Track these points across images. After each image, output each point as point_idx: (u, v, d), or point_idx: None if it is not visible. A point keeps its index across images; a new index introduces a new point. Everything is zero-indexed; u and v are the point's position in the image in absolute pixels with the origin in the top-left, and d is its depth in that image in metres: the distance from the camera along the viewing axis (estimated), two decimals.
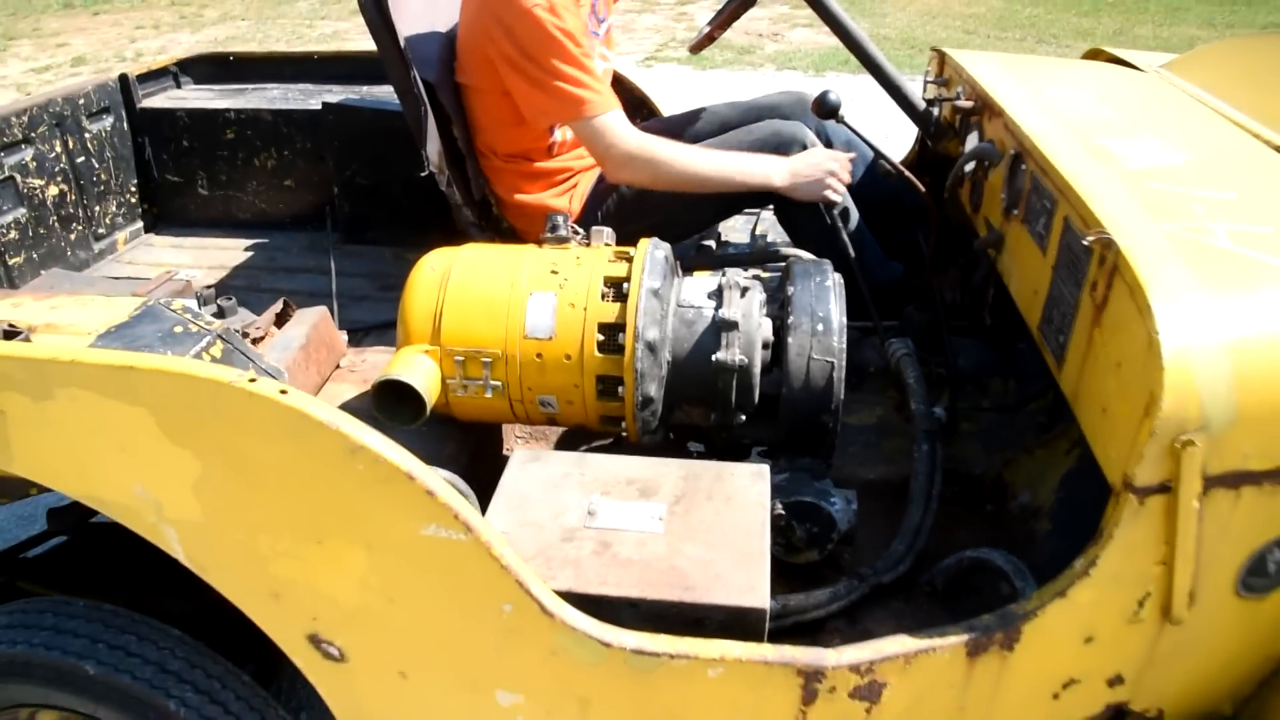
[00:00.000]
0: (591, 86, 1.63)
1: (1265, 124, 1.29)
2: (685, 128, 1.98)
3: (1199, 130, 1.32)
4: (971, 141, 1.57)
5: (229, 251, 2.24)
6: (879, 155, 1.78)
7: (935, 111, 1.82)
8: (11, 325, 0.99)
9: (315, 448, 0.90)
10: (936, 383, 1.56)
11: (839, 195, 1.67)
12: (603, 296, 1.32)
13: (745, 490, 1.18)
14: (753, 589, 1.02)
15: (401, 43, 1.68)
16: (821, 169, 1.66)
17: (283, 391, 0.89)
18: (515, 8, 1.58)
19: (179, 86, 2.46)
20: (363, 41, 2.00)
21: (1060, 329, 1.12)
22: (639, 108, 2.23)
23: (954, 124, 1.76)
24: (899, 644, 0.98)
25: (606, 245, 1.46)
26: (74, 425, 0.95)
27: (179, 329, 1.11)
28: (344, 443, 0.89)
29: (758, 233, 2.04)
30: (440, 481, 0.91)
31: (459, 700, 1.07)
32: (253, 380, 0.89)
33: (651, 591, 1.02)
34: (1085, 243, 0.99)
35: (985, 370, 1.62)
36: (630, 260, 1.36)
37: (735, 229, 2.19)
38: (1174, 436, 0.88)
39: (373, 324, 1.81)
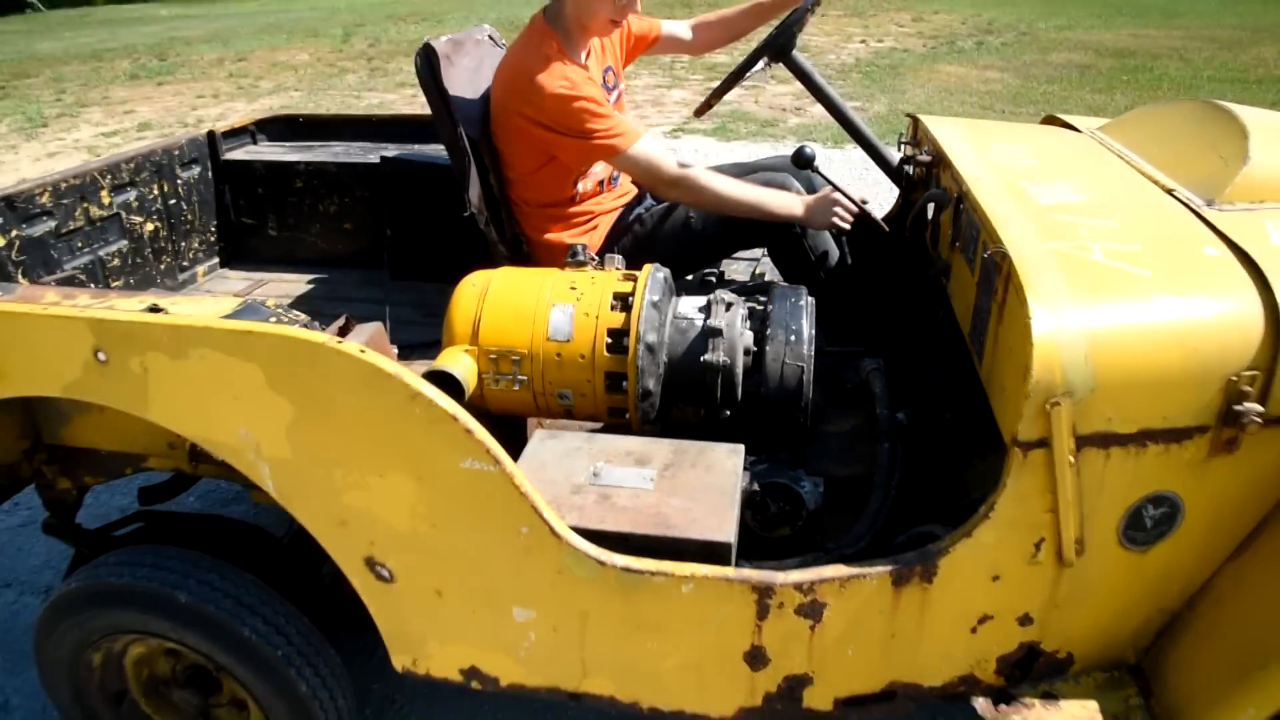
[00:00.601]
0: (619, 130, 1.93)
1: (1160, 169, 1.57)
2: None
3: (1104, 176, 1.59)
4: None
5: (293, 284, 2.56)
6: (844, 195, 2.07)
7: (908, 168, 2.11)
8: (155, 304, 1.28)
9: (383, 394, 1.18)
10: (906, 397, 1.81)
11: (846, 223, 1.95)
12: (612, 307, 1.60)
13: (722, 461, 1.43)
14: (721, 529, 1.27)
15: (450, 104, 2.01)
16: (829, 200, 1.95)
17: (361, 351, 1.17)
18: (542, 92, 1.89)
19: (255, 142, 2.82)
20: (408, 109, 2.32)
21: (979, 332, 1.38)
22: None
23: (923, 178, 2.05)
24: (835, 570, 1.22)
25: (617, 269, 1.74)
26: (200, 379, 1.24)
27: (273, 320, 1.40)
28: (405, 390, 1.17)
29: (757, 273, 2.33)
30: (477, 423, 1.19)
31: (483, 616, 1.32)
32: (340, 342, 1.17)
33: (640, 528, 1.27)
34: (986, 255, 1.26)
35: (951, 386, 1.86)
36: (636, 280, 1.64)
37: (738, 272, 2.47)
38: (1045, 399, 1.13)
39: (419, 343, 2.10)
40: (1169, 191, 1.48)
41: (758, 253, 2.45)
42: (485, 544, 1.26)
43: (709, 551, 1.25)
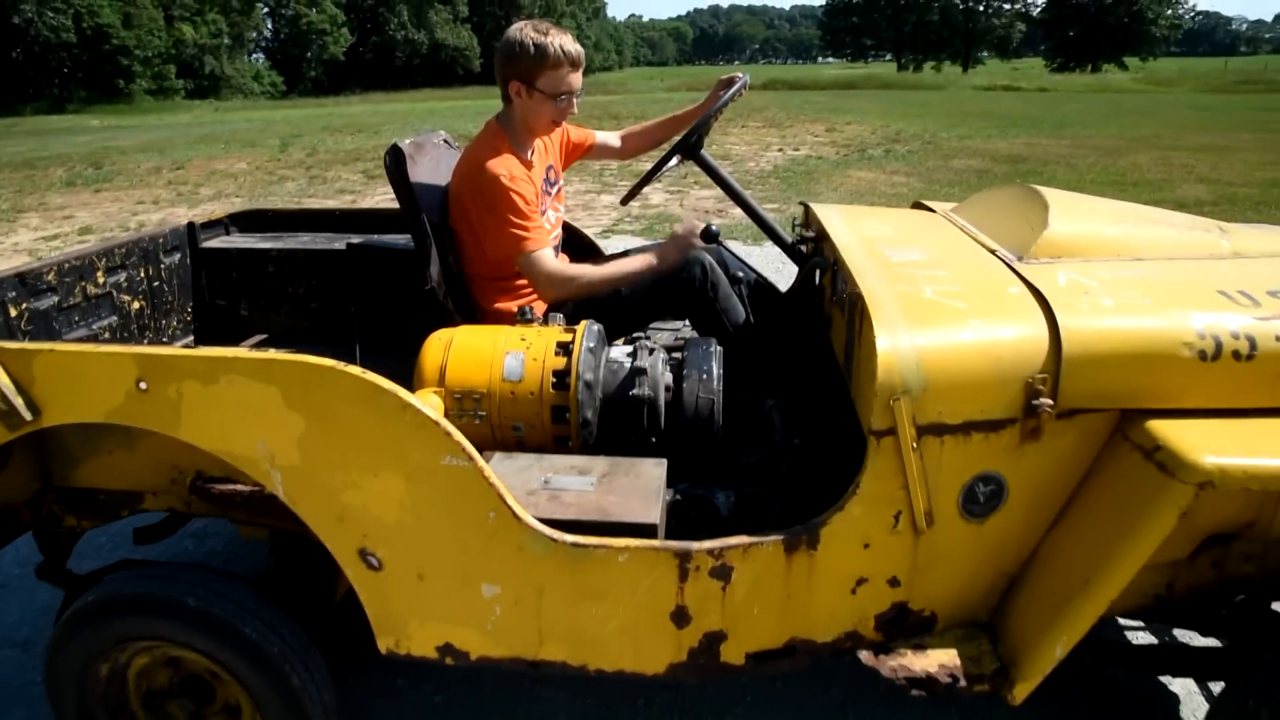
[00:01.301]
0: (529, 232, 2.29)
1: (987, 235, 2.00)
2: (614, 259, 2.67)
3: (943, 241, 2.02)
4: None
5: None
6: (744, 266, 2.46)
7: (801, 246, 2.53)
8: (188, 344, 1.58)
9: (379, 405, 1.49)
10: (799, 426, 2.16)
11: (697, 249, 2.31)
12: (556, 353, 1.94)
13: (649, 470, 1.76)
14: (648, 514, 1.59)
15: (414, 193, 2.36)
16: (675, 240, 2.32)
17: (362, 371, 1.49)
18: (487, 175, 2.26)
19: (228, 233, 3.13)
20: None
21: (848, 358, 1.76)
22: (587, 249, 2.92)
23: (812, 252, 2.46)
24: (739, 539, 1.55)
25: (558, 325, 2.09)
26: (226, 400, 1.53)
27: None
28: (398, 401, 1.48)
29: (679, 336, 2.70)
30: (453, 427, 1.50)
31: (457, 595, 1.61)
32: (345, 365, 1.49)
33: (585, 515, 1.59)
34: (845, 295, 1.64)
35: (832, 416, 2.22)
36: (575, 332, 1.99)
37: (662, 340, 2.83)
38: (889, 397, 1.50)
39: None
40: (991, 251, 1.90)
41: (679, 324, 2.83)
42: (459, 530, 1.55)
43: (639, 530, 1.56)
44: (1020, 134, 15.88)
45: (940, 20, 66.04)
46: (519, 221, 2.26)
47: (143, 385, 1.55)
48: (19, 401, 1.58)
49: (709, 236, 2.30)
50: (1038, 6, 66.62)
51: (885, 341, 1.53)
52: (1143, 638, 2.39)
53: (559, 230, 2.61)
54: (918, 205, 2.60)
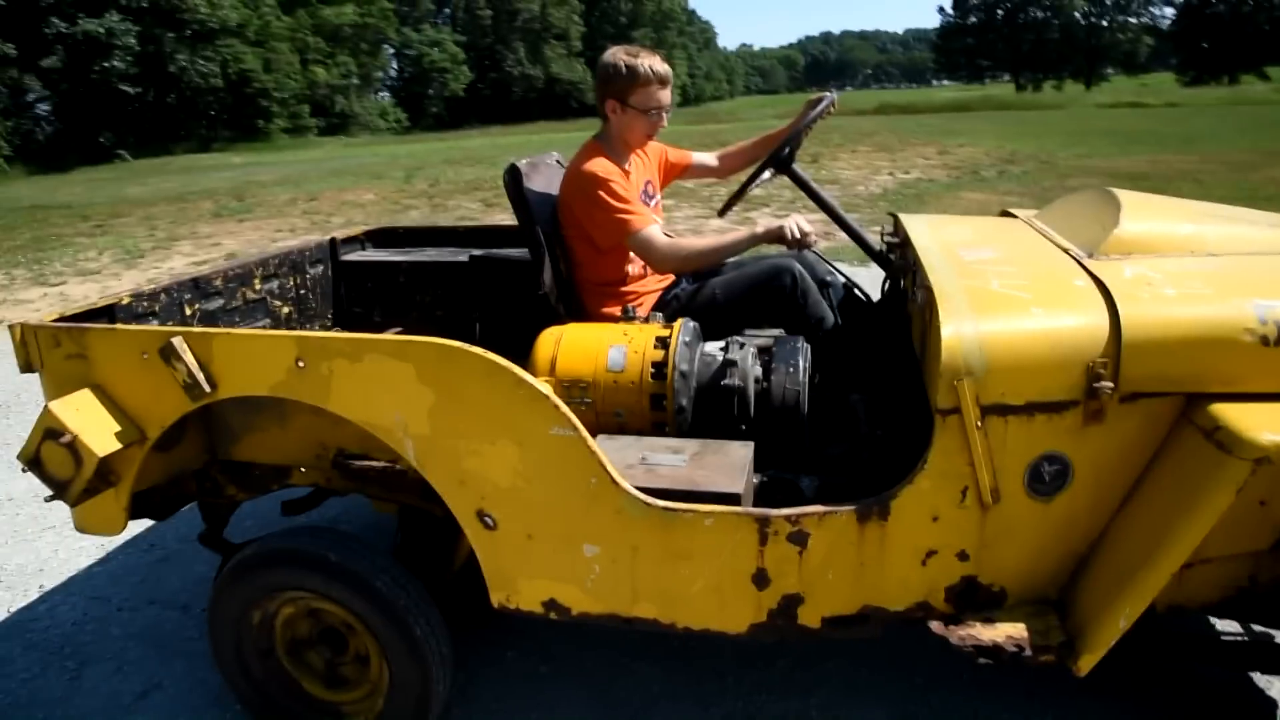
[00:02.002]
0: (634, 212, 2.49)
1: (1061, 235, 2.10)
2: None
3: (1018, 242, 2.12)
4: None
5: None
6: (834, 269, 2.60)
7: (890, 254, 2.66)
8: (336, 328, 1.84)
9: (497, 382, 1.72)
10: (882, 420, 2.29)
11: (798, 233, 2.45)
12: (655, 347, 2.13)
13: (736, 450, 1.93)
14: (732, 485, 1.76)
15: (529, 206, 2.61)
16: (778, 227, 2.47)
17: (484, 351, 1.72)
18: (585, 174, 2.49)
19: (364, 248, 3.47)
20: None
21: (923, 348, 1.89)
22: None
23: (899, 260, 2.59)
24: (815, 508, 1.70)
25: (657, 323, 2.29)
26: (369, 377, 1.78)
27: None
28: (513, 377, 1.71)
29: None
30: (561, 401, 1.71)
31: (561, 553, 1.81)
32: (470, 347, 1.72)
33: (676, 485, 1.77)
34: (919, 290, 1.78)
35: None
36: (672, 328, 2.18)
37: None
38: (952, 377, 1.63)
39: None
40: (1065, 250, 2.00)
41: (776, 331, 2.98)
42: (564, 493, 1.76)
43: (724, 498, 1.73)
44: (1144, 151, 15.31)
45: (1061, 38, 64.00)
46: (621, 206, 2.48)
47: (301, 363, 1.83)
48: (201, 376, 1.88)
49: (802, 245, 2.45)
50: (1167, 19, 63.84)
51: (950, 327, 1.66)
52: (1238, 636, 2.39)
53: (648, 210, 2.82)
54: (1004, 213, 2.70)
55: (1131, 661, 2.31)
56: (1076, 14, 64.13)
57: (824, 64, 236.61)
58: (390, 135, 43.41)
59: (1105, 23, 65.04)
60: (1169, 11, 63.77)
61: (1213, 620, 2.42)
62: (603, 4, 67.62)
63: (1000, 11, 66.51)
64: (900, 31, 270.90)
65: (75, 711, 2.45)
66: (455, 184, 14.91)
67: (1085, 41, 64.36)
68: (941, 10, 74.37)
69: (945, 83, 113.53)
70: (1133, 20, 65.26)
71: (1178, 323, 1.64)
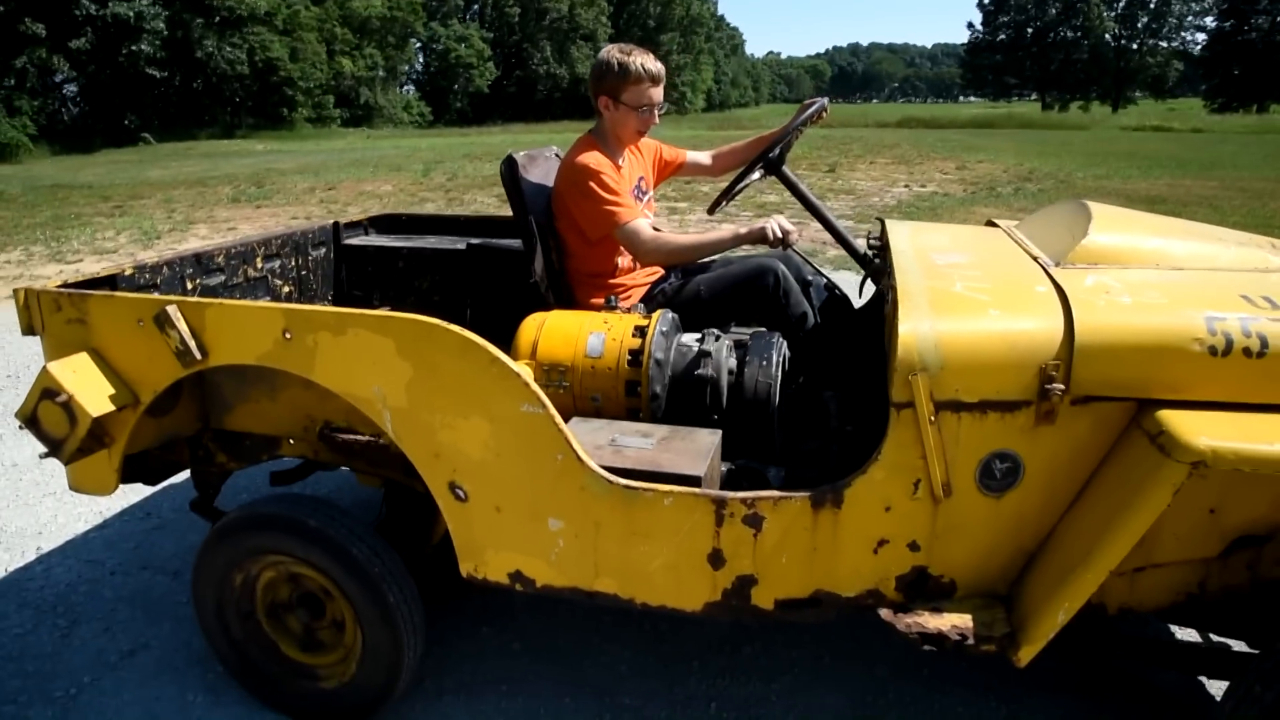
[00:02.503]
0: (622, 205, 2.56)
1: (1034, 244, 2.15)
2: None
3: (991, 248, 2.18)
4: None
5: None
6: (816, 272, 2.66)
7: (874, 256, 2.71)
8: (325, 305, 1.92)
9: (472, 359, 1.79)
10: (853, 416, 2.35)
11: (780, 233, 2.52)
12: (633, 335, 2.20)
13: (704, 436, 1.99)
14: (694, 467, 1.82)
15: (524, 197, 2.68)
16: (762, 222, 2.53)
17: (460, 329, 1.79)
18: (577, 166, 2.57)
19: (367, 233, 3.56)
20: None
21: (888, 345, 1.95)
22: None
23: (881, 262, 2.65)
24: (770, 492, 1.76)
25: (638, 313, 2.36)
26: (351, 349, 1.86)
27: None
28: (487, 355, 1.78)
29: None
30: (531, 378, 1.78)
31: (527, 527, 1.88)
32: (447, 324, 1.79)
33: (640, 465, 1.83)
34: (883, 287, 1.84)
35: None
36: (651, 318, 2.25)
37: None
38: (907, 372, 1.69)
39: None
40: (1034, 258, 2.06)
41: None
42: (532, 468, 1.83)
43: (685, 480, 1.80)
44: (1164, 175, 15.27)
45: (1090, 59, 63.73)
46: (610, 198, 2.55)
47: (288, 335, 1.90)
48: (193, 344, 1.96)
49: (784, 244, 2.52)
50: (1198, 44, 63.44)
51: (907, 324, 1.72)
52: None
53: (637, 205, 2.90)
54: (989, 223, 2.75)
55: (1085, 661, 2.37)
56: (1107, 35, 63.83)
57: (851, 75, 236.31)
58: (413, 129, 43.71)
59: (1135, 45, 64.69)
60: (1200, 36, 63.43)
61: (1171, 626, 2.47)
62: (631, 6, 67.82)
63: (1029, 30, 66.29)
64: (929, 46, 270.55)
65: (63, 666, 2.54)
66: (473, 178, 15.03)
67: (1114, 63, 64.05)
68: (970, 26, 74.11)
69: (972, 99, 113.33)
70: (1163, 44, 64.87)
71: (1130, 330, 1.70)
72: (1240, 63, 56.14)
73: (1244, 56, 55.78)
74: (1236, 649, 2.17)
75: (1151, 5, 63.80)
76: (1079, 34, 64.05)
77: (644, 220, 2.62)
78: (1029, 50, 66.21)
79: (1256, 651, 2.04)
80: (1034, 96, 70.91)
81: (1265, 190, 12.96)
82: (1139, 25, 64.67)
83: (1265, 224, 9.93)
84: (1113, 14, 64.22)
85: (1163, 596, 1.94)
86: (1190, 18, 64.35)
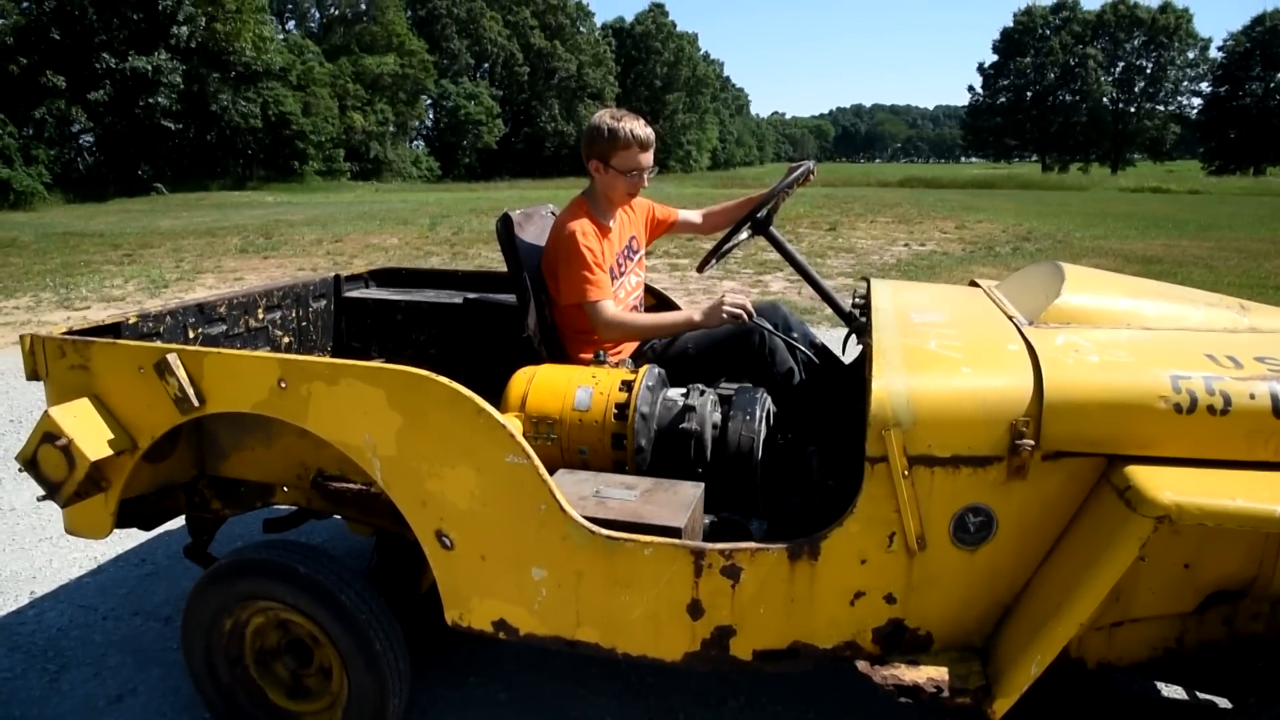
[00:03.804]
0: (595, 282, 2.63)
1: (1010, 303, 2.22)
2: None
3: (968, 308, 2.25)
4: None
5: None
6: (802, 328, 2.72)
7: (863, 317, 2.78)
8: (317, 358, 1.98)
9: (459, 410, 1.84)
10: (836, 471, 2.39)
11: (738, 310, 2.55)
12: (619, 389, 2.26)
13: (686, 489, 2.03)
14: (675, 519, 1.86)
15: (518, 254, 2.76)
16: (718, 305, 2.58)
17: (449, 381, 1.84)
18: (565, 232, 2.64)
19: (367, 286, 3.64)
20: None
21: (864, 398, 2.01)
22: (670, 307, 3.26)
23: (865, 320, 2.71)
24: (748, 544, 1.80)
25: (626, 368, 2.41)
26: (343, 399, 1.92)
27: None
28: (474, 406, 1.83)
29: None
30: (518, 431, 1.83)
31: (511, 575, 1.91)
32: (436, 375, 1.85)
33: (623, 517, 1.87)
34: (858, 345, 1.90)
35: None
36: (638, 373, 2.31)
37: None
38: (881, 427, 1.74)
39: None
40: (1010, 316, 2.12)
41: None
42: (516, 518, 1.87)
43: (666, 531, 1.84)
44: (1161, 235, 15.46)
45: (1088, 121, 64.75)
46: (584, 273, 2.62)
47: (282, 384, 1.96)
48: (191, 391, 2.02)
49: (741, 319, 2.58)
50: (1194, 109, 64.45)
51: (880, 380, 1.78)
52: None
53: (640, 291, 2.97)
54: (972, 283, 2.82)
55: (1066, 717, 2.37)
56: (1104, 99, 64.93)
57: (854, 135, 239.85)
58: (422, 183, 44.38)
59: (1133, 109, 65.77)
60: (1196, 101, 64.50)
61: (1158, 684, 2.48)
62: (638, 66, 69.27)
63: (1029, 93, 67.47)
64: (930, 108, 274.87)
65: (51, 712, 2.55)
66: (478, 233, 15.24)
67: (1112, 126, 65.08)
68: (971, 89, 75.49)
69: (973, 160, 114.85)
70: (1160, 108, 65.94)
71: (1097, 387, 1.75)
72: (1235, 126, 57.08)
73: (1239, 120, 56.75)
74: (1220, 704, 2.18)
75: (1148, 70, 64.98)
76: (1078, 98, 65.19)
77: (609, 302, 2.67)
78: (1029, 113, 67.35)
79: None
80: (1034, 158, 71.90)
81: (1260, 251, 13.11)
82: (1136, 89, 65.82)
83: (1259, 284, 10.04)
84: (1110, 78, 65.40)
85: (1141, 651, 1.97)
86: (1186, 83, 65.51)
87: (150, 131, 31.94)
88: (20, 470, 2.14)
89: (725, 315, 2.55)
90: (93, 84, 30.08)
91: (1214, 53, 61.99)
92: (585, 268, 2.62)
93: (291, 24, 46.51)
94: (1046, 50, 64.97)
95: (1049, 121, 65.96)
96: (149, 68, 30.76)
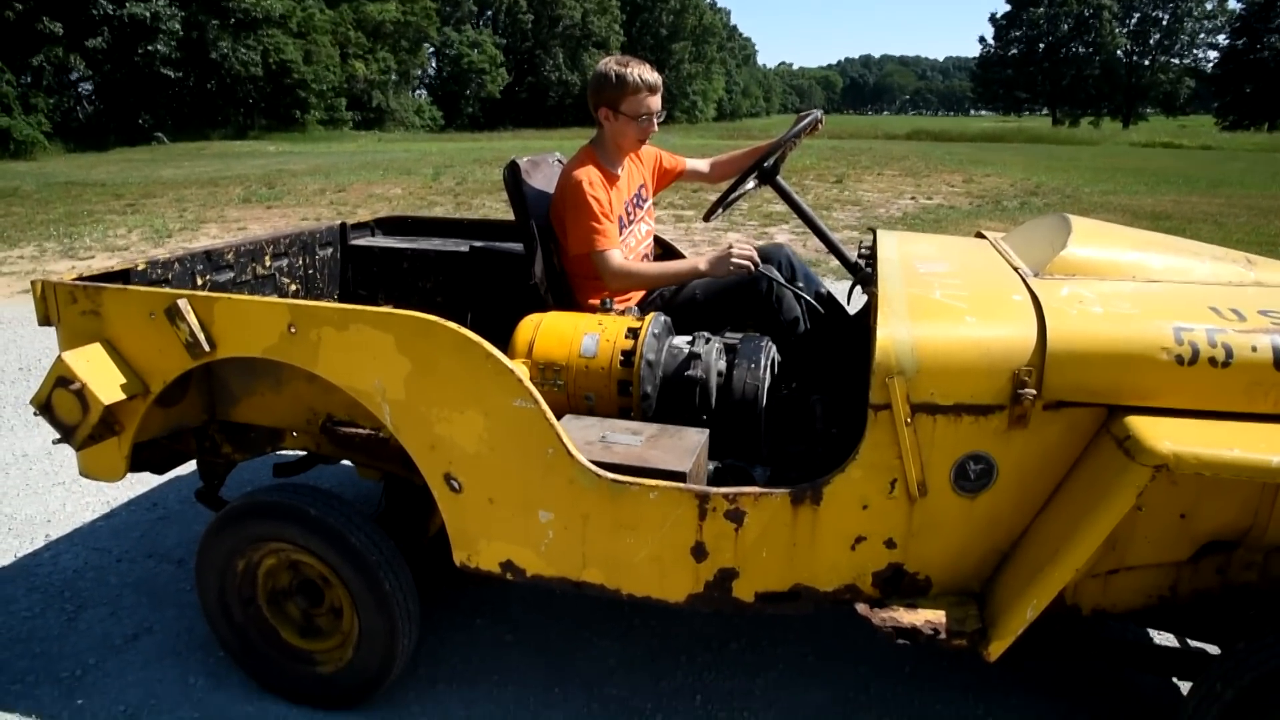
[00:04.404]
0: (603, 232, 2.63)
1: (1016, 255, 2.22)
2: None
3: (974, 258, 2.25)
4: None
5: None
6: (811, 278, 2.73)
7: (863, 263, 2.78)
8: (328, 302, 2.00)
9: (468, 355, 1.87)
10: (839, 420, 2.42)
11: (745, 261, 2.56)
12: (625, 336, 2.27)
13: (691, 435, 2.06)
14: (680, 464, 1.89)
15: (525, 201, 2.76)
16: (725, 254, 2.58)
17: (457, 327, 1.86)
18: (572, 181, 2.64)
19: (374, 235, 3.64)
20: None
21: (869, 347, 2.02)
22: (676, 257, 3.26)
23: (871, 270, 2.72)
24: (751, 488, 1.83)
25: (631, 315, 2.43)
26: (353, 344, 1.94)
27: None
28: (482, 351, 1.85)
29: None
30: (525, 375, 1.86)
31: (519, 518, 1.95)
32: (445, 321, 1.87)
33: (628, 461, 1.90)
34: (863, 295, 1.91)
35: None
36: (644, 321, 2.32)
37: None
38: (884, 375, 1.76)
39: None
40: (1015, 268, 2.13)
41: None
42: (523, 462, 1.90)
43: (670, 475, 1.87)
44: (1170, 191, 15.31)
45: (1101, 75, 63.75)
46: (592, 223, 2.63)
47: (292, 329, 1.98)
48: (202, 336, 2.04)
49: (747, 268, 2.59)
50: (1209, 62, 63.38)
51: (885, 329, 1.79)
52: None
53: (650, 240, 2.98)
54: (978, 234, 2.82)
55: (1063, 663, 2.43)
56: (1119, 51, 63.85)
57: (863, 87, 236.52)
58: (425, 133, 43.94)
59: (1147, 62, 64.69)
60: (1213, 54, 63.40)
61: (1150, 630, 2.53)
62: (644, 15, 68.11)
63: (1041, 45, 66.35)
64: (940, 59, 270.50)
65: (70, 649, 2.61)
66: (482, 183, 15.14)
67: (1125, 80, 64.07)
68: (982, 40, 74.25)
69: (982, 113, 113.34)
70: (1175, 61, 64.85)
71: (1100, 338, 1.76)
72: (1252, 81, 56.07)
73: (1256, 75, 55.71)
74: (1211, 651, 2.23)
75: (1164, 22, 63.82)
76: (1091, 50, 64.10)
77: (617, 251, 2.67)
78: (1040, 65, 66.27)
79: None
80: (1045, 111, 70.95)
81: (1271, 208, 12.99)
82: (1151, 42, 64.69)
83: (1269, 241, 9.97)
84: (1125, 30, 64.25)
85: (1135, 599, 2.01)
86: (1203, 35, 64.34)
87: (150, 80, 31.56)
88: (36, 414, 2.17)
89: (732, 266, 2.55)
90: (91, 31, 29.65)
91: (1233, 3, 60.83)
92: (593, 217, 2.62)
93: None
94: (1060, 0, 63.74)
95: (1061, 74, 64.92)
96: (147, 14, 30.29)
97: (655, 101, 2.69)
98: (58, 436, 2.19)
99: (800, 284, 2.74)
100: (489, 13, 56.34)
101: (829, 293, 2.84)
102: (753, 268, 2.56)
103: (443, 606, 2.75)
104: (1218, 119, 58.60)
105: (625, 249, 2.75)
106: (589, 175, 2.65)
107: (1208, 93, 65.68)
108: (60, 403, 2.12)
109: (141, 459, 2.42)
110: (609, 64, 2.68)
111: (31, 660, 2.56)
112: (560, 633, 2.66)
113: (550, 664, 2.52)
